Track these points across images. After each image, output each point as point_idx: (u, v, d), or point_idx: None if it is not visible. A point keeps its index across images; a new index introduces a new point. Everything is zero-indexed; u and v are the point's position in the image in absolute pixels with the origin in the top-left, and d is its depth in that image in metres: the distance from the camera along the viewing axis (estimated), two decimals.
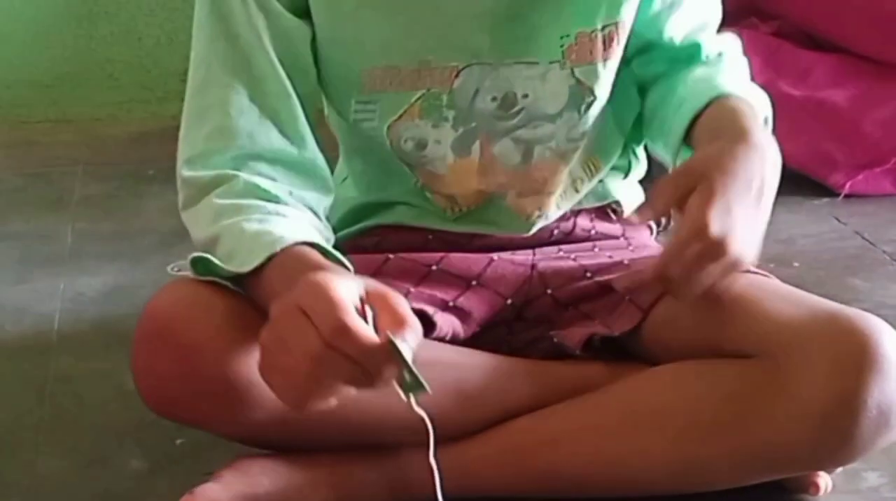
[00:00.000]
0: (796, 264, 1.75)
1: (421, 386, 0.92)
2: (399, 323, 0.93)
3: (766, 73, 2.04)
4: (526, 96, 1.19)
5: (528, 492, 1.14)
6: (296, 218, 1.11)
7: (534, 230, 1.25)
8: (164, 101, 2.57)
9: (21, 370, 1.47)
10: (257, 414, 1.06)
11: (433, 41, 1.17)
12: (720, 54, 1.27)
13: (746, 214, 1.08)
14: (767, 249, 1.79)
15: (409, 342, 0.93)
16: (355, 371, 0.92)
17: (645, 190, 1.34)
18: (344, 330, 0.91)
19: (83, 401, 1.39)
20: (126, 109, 2.59)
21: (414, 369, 0.92)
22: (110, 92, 2.59)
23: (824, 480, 1.15)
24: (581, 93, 1.20)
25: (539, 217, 1.25)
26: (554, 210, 1.25)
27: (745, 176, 1.09)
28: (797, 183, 2.02)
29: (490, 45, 1.17)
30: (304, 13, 1.16)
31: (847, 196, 2.01)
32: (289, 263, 1.03)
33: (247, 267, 1.04)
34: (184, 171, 1.14)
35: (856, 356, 1.05)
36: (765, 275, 1.20)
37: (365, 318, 0.93)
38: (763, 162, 1.11)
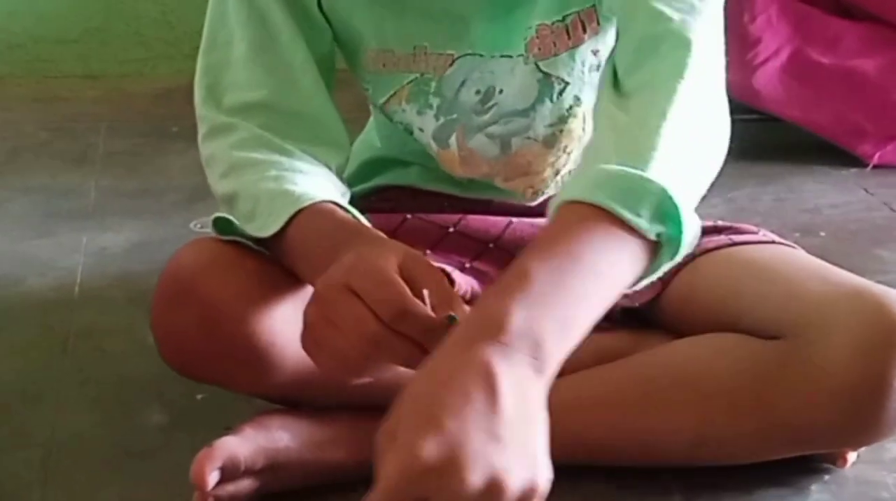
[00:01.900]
0: (822, 234, 1.74)
1: None
2: (447, 298, 0.92)
3: (795, 41, 2.03)
4: (501, 92, 1.18)
5: (551, 457, 1.14)
6: (313, 173, 1.10)
7: (540, 199, 1.24)
8: (189, 58, 2.54)
9: (44, 323, 1.48)
10: (277, 375, 1.06)
11: (427, 28, 1.16)
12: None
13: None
14: (794, 218, 1.82)
15: (461, 315, 0.91)
16: (415, 350, 0.91)
17: None
18: (405, 314, 0.90)
19: (105, 355, 1.39)
20: (151, 66, 2.59)
21: None
22: (136, 48, 2.59)
23: (852, 453, 1.15)
24: (550, 84, 1.18)
25: (535, 194, 1.24)
26: (554, 187, 1.24)
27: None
28: (825, 152, 2.01)
29: (482, 36, 1.16)
30: None
31: (875, 166, 2.00)
32: (315, 222, 1.02)
33: (267, 231, 1.04)
34: (201, 109, 1.15)
35: (883, 334, 1.03)
36: (790, 246, 1.19)
37: (417, 294, 0.92)
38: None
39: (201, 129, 1.15)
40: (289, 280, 1.06)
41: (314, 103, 1.14)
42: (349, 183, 1.18)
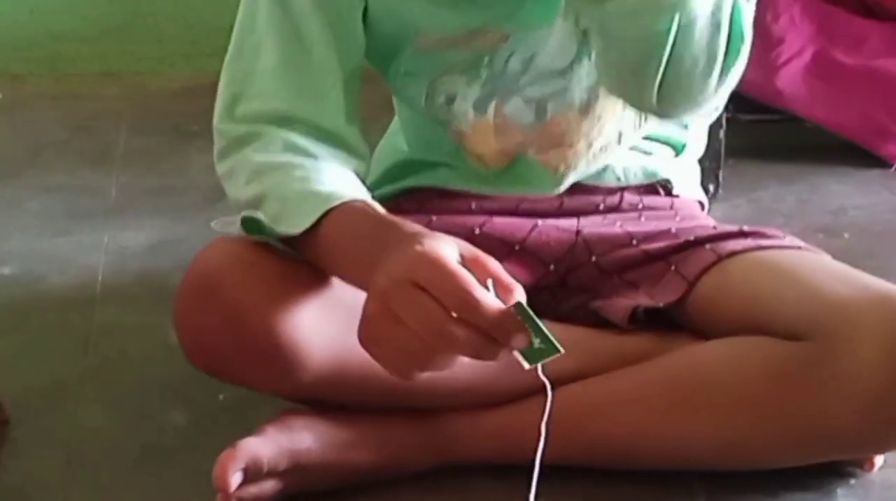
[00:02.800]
0: (846, 235, 1.73)
1: (554, 348, 0.90)
2: (508, 289, 0.91)
3: (819, 41, 2.02)
4: (538, 54, 1.18)
5: (571, 460, 1.14)
6: (340, 172, 1.10)
7: (565, 184, 1.24)
8: (208, 57, 2.56)
9: (65, 322, 1.48)
10: (301, 375, 1.05)
11: (483, 13, 1.16)
12: None
13: None
14: (817, 219, 1.81)
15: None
16: (483, 343, 0.90)
17: (705, 172, 1.33)
18: (475, 305, 0.89)
19: (126, 354, 1.39)
20: (170, 64, 2.58)
21: (547, 332, 0.90)
22: (155, 46, 2.59)
23: (879, 456, 1.14)
24: (588, 43, 1.16)
25: (567, 170, 1.23)
26: (584, 164, 1.24)
27: None
28: (849, 153, 2.00)
29: (532, 11, 1.16)
30: None
31: None
32: (351, 219, 1.02)
33: (298, 229, 1.03)
34: (219, 124, 1.14)
35: None
36: (814, 252, 1.18)
37: (483, 283, 0.91)
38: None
39: (219, 143, 1.14)
40: (314, 280, 1.06)
41: (340, 122, 1.14)
42: (374, 187, 1.18)
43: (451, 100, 1.20)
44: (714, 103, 1.12)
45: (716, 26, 1.03)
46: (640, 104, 1.13)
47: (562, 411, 1.12)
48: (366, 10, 1.16)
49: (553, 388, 0.93)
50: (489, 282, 0.91)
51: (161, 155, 2.09)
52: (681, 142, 1.30)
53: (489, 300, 0.90)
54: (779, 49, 2.00)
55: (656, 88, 1.05)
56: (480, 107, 1.20)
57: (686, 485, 1.12)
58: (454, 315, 0.89)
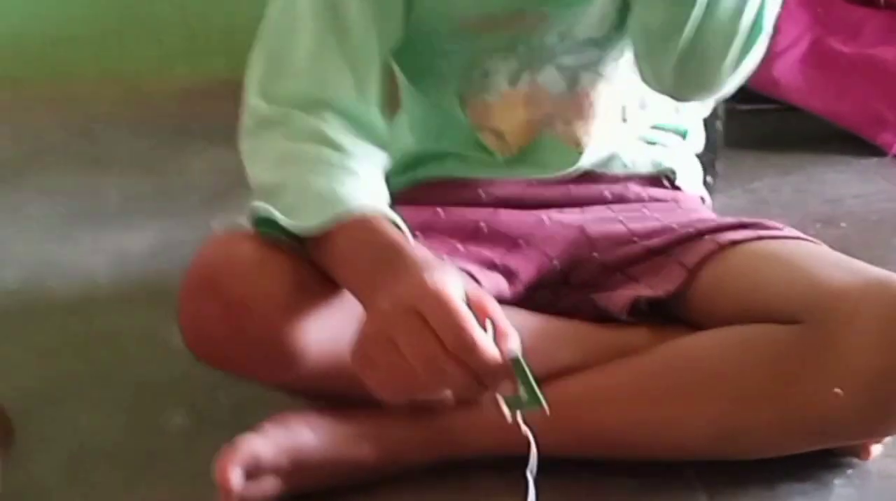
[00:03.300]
0: (843, 224, 1.73)
1: (538, 402, 0.91)
2: (504, 336, 0.92)
3: (815, 30, 2.02)
4: (575, 25, 1.19)
5: (571, 451, 1.14)
6: (362, 174, 1.09)
7: (582, 161, 1.25)
8: (207, 58, 2.57)
9: (66, 326, 1.48)
10: (300, 367, 1.06)
11: None
12: None
13: None
14: (815, 209, 1.81)
15: (517, 354, 0.92)
16: (470, 383, 0.92)
17: (703, 163, 1.34)
18: (472, 346, 0.90)
19: (127, 358, 1.40)
20: (169, 66, 2.59)
21: (536, 388, 0.91)
22: (154, 48, 2.60)
23: (876, 446, 1.14)
24: (625, 11, 1.19)
25: (587, 143, 1.24)
26: (599, 138, 1.25)
27: None
28: (846, 142, 2.01)
29: None
30: None
31: None
32: (363, 233, 1.02)
33: (308, 225, 1.04)
34: (251, 99, 1.13)
35: None
36: (813, 242, 1.19)
37: (483, 325, 0.93)
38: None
39: (247, 120, 1.13)
40: (316, 276, 1.06)
41: (371, 109, 1.14)
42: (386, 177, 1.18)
43: (486, 73, 1.22)
44: (725, 89, 1.17)
45: (739, 9, 1.10)
46: (660, 79, 1.18)
47: (559, 402, 1.13)
48: None
49: (536, 440, 0.94)
50: (488, 324, 0.92)
51: (161, 157, 2.10)
52: (682, 128, 1.32)
53: (486, 343, 0.91)
54: (775, 38, 2.00)
55: (674, 62, 1.12)
56: (514, 78, 1.21)
57: (685, 480, 1.12)
58: (449, 351, 0.91)
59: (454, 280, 0.94)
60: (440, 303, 0.91)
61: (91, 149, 2.15)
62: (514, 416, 0.93)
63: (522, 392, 0.92)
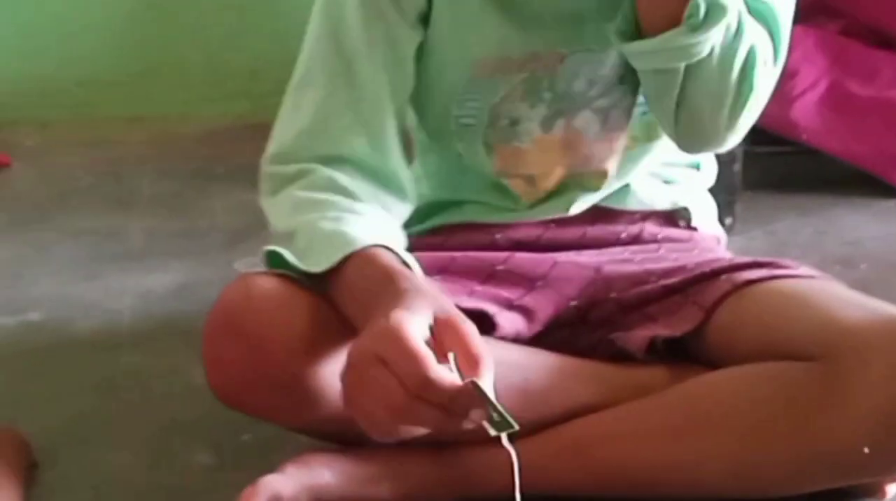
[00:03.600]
0: (863, 266, 1.73)
1: (508, 424, 0.92)
2: (474, 361, 0.93)
3: (833, 73, 2.03)
4: (602, 68, 1.21)
5: (590, 490, 1.14)
6: (371, 216, 1.12)
7: (600, 194, 1.26)
8: (232, 100, 2.60)
9: (91, 365, 1.49)
10: (323, 409, 1.07)
11: (546, 32, 1.18)
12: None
13: None
14: (834, 250, 1.81)
15: (487, 378, 0.92)
16: (442, 417, 0.93)
17: (721, 205, 1.36)
18: (427, 383, 0.91)
19: (151, 396, 1.41)
20: (195, 108, 2.61)
21: (501, 409, 0.91)
22: (180, 90, 2.62)
23: (892, 484, 1.14)
24: None
25: (612, 176, 1.26)
26: (616, 169, 1.26)
27: None
28: (865, 183, 2.00)
29: (595, 34, 1.18)
30: (421, 18, 1.17)
31: None
32: (361, 268, 1.04)
33: (318, 268, 1.06)
34: (267, 166, 1.16)
35: None
36: (828, 280, 1.20)
37: (442, 358, 0.93)
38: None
39: (265, 185, 1.16)
40: (337, 317, 1.07)
41: (390, 160, 1.16)
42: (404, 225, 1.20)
43: (514, 122, 1.22)
44: (726, 144, 1.20)
45: (724, 72, 1.12)
46: (667, 132, 1.21)
47: (577, 441, 1.14)
48: (425, 38, 1.18)
49: (518, 458, 0.94)
50: (450, 356, 0.93)
51: (185, 198, 2.11)
52: (695, 161, 1.33)
53: (444, 378, 0.92)
54: (793, 81, 2.01)
55: (672, 120, 1.16)
56: (547, 124, 1.22)
57: None
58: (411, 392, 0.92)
59: (416, 315, 0.95)
60: (396, 346, 0.92)
61: (117, 190, 2.17)
62: (499, 437, 0.93)
63: (494, 415, 0.92)
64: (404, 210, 1.19)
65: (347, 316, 1.05)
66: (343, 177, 1.13)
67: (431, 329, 0.95)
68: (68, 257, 1.85)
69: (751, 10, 1.15)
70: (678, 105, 1.15)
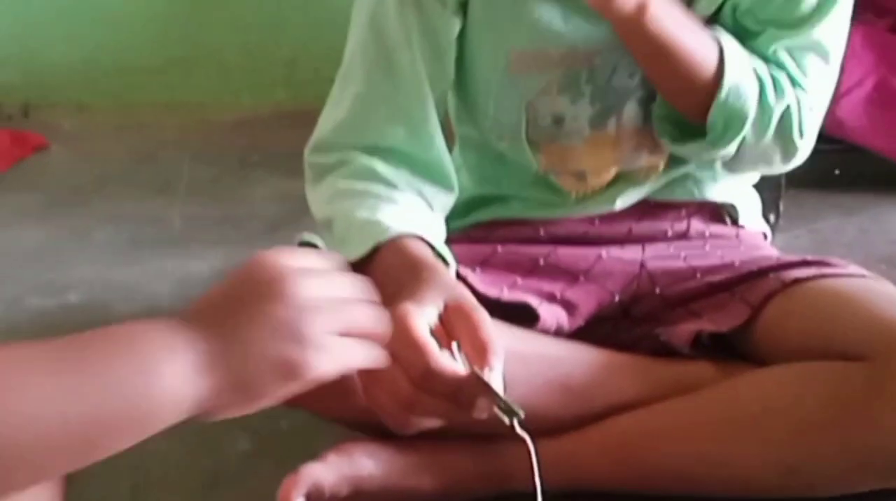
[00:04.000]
0: None
1: (514, 412, 0.90)
2: (482, 348, 0.91)
3: (880, 70, 2.01)
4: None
5: (631, 486, 1.14)
6: (406, 205, 1.11)
7: (650, 185, 1.26)
8: (270, 88, 2.60)
9: None
10: (359, 400, 1.06)
11: (586, 28, 1.17)
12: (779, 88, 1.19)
13: None
14: (879, 250, 1.79)
15: (496, 367, 0.91)
16: (450, 407, 0.91)
17: (766, 203, 1.36)
18: (430, 374, 0.90)
19: None
20: (233, 95, 2.62)
21: (504, 397, 0.90)
22: (218, 78, 2.62)
23: None
24: None
25: (662, 167, 1.26)
26: (664, 163, 1.26)
27: None
28: None
29: None
30: (461, 6, 1.17)
31: None
32: (390, 257, 1.04)
33: (353, 256, 1.05)
34: (309, 156, 1.17)
35: None
36: (876, 279, 1.18)
37: (448, 345, 0.92)
38: None
39: (308, 175, 1.17)
40: None
41: (431, 150, 1.16)
42: (448, 218, 1.19)
43: (558, 120, 1.21)
44: (788, 168, 1.24)
45: (761, 142, 1.18)
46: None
47: (621, 437, 1.13)
48: (463, 29, 1.17)
49: (533, 441, 0.92)
50: (454, 345, 0.92)
51: (224, 184, 2.12)
52: None
53: (447, 368, 0.90)
54: (840, 79, 1.99)
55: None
56: (598, 122, 1.21)
57: None
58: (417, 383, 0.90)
59: (424, 306, 0.93)
60: (400, 337, 0.90)
61: (155, 176, 2.17)
62: (510, 423, 0.92)
63: (500, 403, 0.90)
64: (447, 200, 1.18)
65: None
66: (382, 166, 1.13)
67: (441, 317, 0.94)
68: (107, 241, 1.86)
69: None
70: (725, 164, 1.20)
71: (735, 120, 1.14)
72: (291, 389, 0.77)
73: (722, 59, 1.13)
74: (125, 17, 2.58)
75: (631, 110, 1.22)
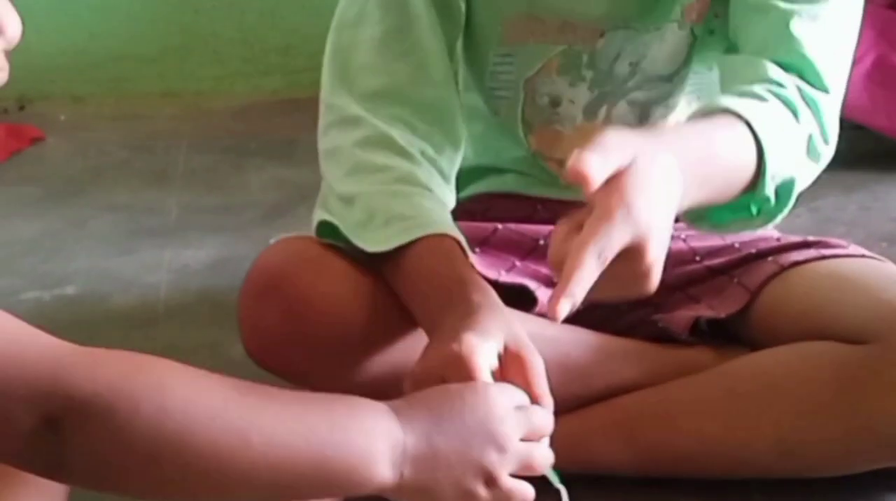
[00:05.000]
0: None
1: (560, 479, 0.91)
2: (537, 399, 0.91)
3: (879, 47, 2.00)
4: (645, 58, 1.18)
5: (633, 468, 1.14)
6: (432, 190, 1.09)
7: None
8: (265, 76, 2.59)
9: (128, 340, 1.49)
10: (363, 376, 1.06)
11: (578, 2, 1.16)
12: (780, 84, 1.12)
13: None
14: (879, 227, 1.79)
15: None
16: None
17: None
18: None
19: None
20: (229, 83, 2.61)
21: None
22: (214, 66, 2.61)
23: None
24: (695, 46, 1.18)
25: None
26: None
27: None
28: None
29: (637, 12, 1.16)
30: None
31: None
32: (425, 257, 1.03)
33: (376, 249, 1.04)
34: (328, 97, 1.14)
35: None
36: (878, 259, 1.18)
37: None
38: None
39: (327, 117, 1.14)
40: (376, 282, 1.07)
41: (444, 94, 1.14)
42: None
43: (555, 102, 1.20)
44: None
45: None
46: None
47: (621, 419, 1.13)
48: None
49: (569, 492, 0.93)
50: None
51: (220, 173, 2.11)
52: None
53: None
54: None
55: None
56: (591, 111, 1.21)
57: (745, 495, 1.11)
58: None
59: (487, 342, 0.93)
60: (461, 374, 0.90)
61: (151, 166, 2.16)
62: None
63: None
64: (456, 157, 1.16)
65: (403, 299, 1.04)
66: (399, 133, 1.10)
67: (500, 356, 0.93)
68: (104, 232, 1.85)
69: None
70: None
71: (784, 196, 1.08)
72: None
73: (761, 150, 1.04)
74: (119, 5, 2.57)
75: (622, 109, 1.21)
